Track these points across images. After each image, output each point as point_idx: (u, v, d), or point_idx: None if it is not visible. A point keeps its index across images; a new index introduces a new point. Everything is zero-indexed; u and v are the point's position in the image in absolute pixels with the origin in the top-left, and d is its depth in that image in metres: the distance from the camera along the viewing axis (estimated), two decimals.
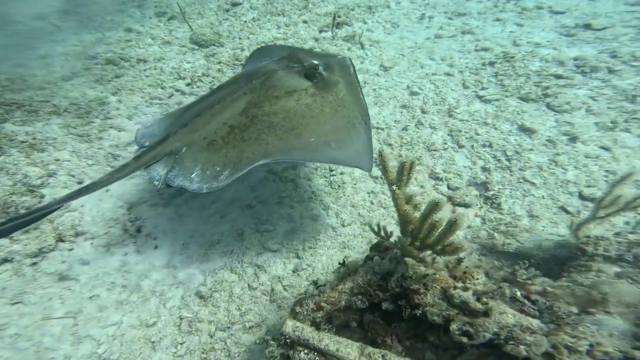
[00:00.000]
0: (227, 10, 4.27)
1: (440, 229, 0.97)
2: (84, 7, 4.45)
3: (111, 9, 4.40)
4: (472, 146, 2.36)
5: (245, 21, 4.04)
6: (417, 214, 1.05)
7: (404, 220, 1.07)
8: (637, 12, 3.39)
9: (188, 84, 3.13)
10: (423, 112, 2.71)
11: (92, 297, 1.73)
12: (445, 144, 2.42)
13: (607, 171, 1.97)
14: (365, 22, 3.94)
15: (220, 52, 3.53)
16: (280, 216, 2.08)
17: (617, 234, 1.36)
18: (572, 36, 3.23)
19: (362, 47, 3.56)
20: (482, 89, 2.81)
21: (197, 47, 3.64)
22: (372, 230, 1.23)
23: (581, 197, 1.89)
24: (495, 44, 3.32)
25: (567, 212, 1.85)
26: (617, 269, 1.22)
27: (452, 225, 0.92)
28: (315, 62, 2.00)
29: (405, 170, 1.02)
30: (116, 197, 2.14)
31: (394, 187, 1.02)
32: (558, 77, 2.71)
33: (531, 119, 2.42)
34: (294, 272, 1.84)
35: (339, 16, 3.92)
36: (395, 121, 2.67)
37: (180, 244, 1.98)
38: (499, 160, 2.23)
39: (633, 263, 1.20)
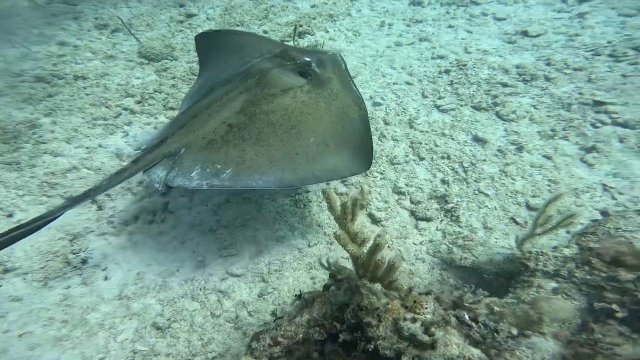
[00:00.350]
0: (181, 22, 4.10)
1: (383, 268, 1.00)
2: (3, 19, 4.03)
3: (38, 22, 4.02)
4: (432, 158, 2.45)
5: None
6: (365, 249, 1.08)
7: (352, 257, 1.09)
8: (564, 18, 3.65)
9: (138, 102, 2.97)
10: (386, 123, 2.78)
11: (22, 335, 1.61)
12: (407, 156, 2.50)
13: (550, 180, 2.13)
14: (327, 31, 3.95)
15: (174, 66, 3.40)
16: (245, 239, 2.06)
17: (554, 248, 1.47)
18: (513, 43, 3.42)
19: None
20: (440, 98, 2.93)
21: (146, 62, 3.47)
22: (322, 266, 1.25)
23: (528, 207, 2.03)
24: (450, 52, 3.45)
25: (516, 222, 1.98)
26: (554, 285, 1.32)
27: (392, 266, 0.96)
28: (308, 59, 2.04)
29: (348, 209, 1.04)
30: (55, 229, 2.01)
31: (337, 231, 1.05)
32: (504, 85, 2.87)
33: (483, 129, 2.56)
34: (259, 296, 1.83)
35: (300, 25, 3.91)
36: None
37: (134, 274, 1.89)
38: (456, 172, 2.33)
39: (567, 278, 1.31)
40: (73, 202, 1.68)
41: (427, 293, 1.21)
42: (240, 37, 2.65)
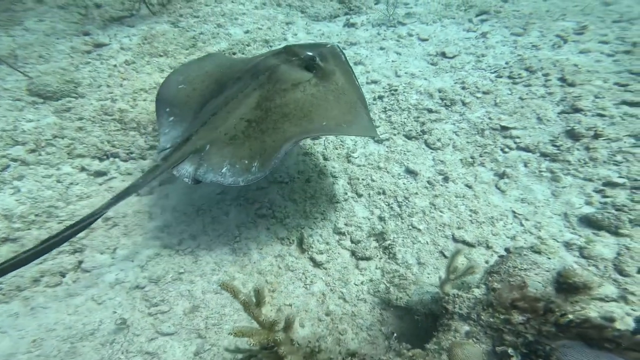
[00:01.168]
0: (88, 52, 3.81)
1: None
2: None
3: None
4: (369, 194, 2.64)
5: (116, 65, 3.66)
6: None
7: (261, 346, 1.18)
8: (471, 38, 4.09)
9: (32, 151, 2.71)
10: (325, 159, 2.92)
11: None
12: (346, 194, 2.65)
13: (471, 210, 2.41)
14: None
15: (81, 104, 3.15)
16: (179, 294, 2.04)
17: (469, 289, 1.70)
18: (435, 65, 3.74)
19: None
20: (375, 126, 3.14)
21: (41, 101, 3.16)
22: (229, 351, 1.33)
23: (454, 239, 2.30)
24: (382, 76, 3.69)
25: (445, 256, 2.23)
26: (467, 328, 1.54)
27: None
28: (310, 53, 2.24)
29: (258, 297, 1.14)
30: None
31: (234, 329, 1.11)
32: (430, 111, 3.15)
33: (414, 159, 2.81)
34: (195, 355, 1.81)
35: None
36: (298, 172, 2.82)
37: (28, 341, 1.78)
38: (391, 207, 2.54)
39: (477, 321, 1.54)
40: (117, 198, 1.88)
41: (353, 355, 1.36)
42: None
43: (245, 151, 1.98)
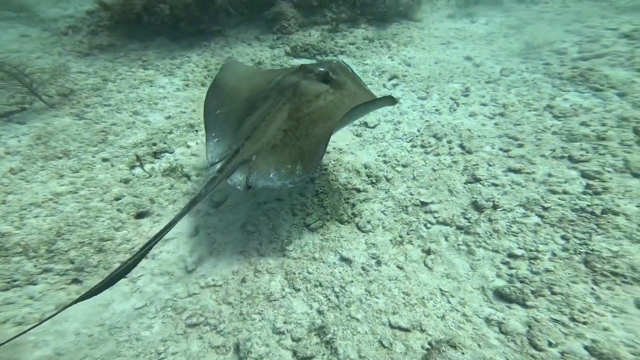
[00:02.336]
0: None
1: None
2: None
3: None
4: (307, 288, 2.72)
5: None
6: None
7: None
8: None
9: None
10: (260, 254, 2.98)
11: None
12: (284, 290, 2.71)
13: (404, 293, 2.62)
14: (188, 146, 4.07)
15: None
16: None
17: None
18: (359, 136, 4.14)
19: (189, 179, 3.67)
20: (308, 214, 3.32)
21: None
22: None
23: (391, 326, 2.44)
24: None
25: (384, 346, 2.34)
26: None
27: None
28: (323, 69, 2.83)
29: None
30: None
31: None
32: (358, 190, 3.44)
33: (348, 245, 3.01)
34: None
35: (154, 144, 3.89)
36: (233, 272, 2.84)
37: None
38: (329, 299, 2.64)
39: None
40: (185, 210, 2.36)
41: None
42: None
43: (286, 157, 2.47)
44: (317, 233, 3.14)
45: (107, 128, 4.08)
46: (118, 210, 3.32)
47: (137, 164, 3.61)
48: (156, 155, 3.79)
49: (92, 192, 3.42)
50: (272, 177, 2.43)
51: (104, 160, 3.71)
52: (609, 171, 3.12)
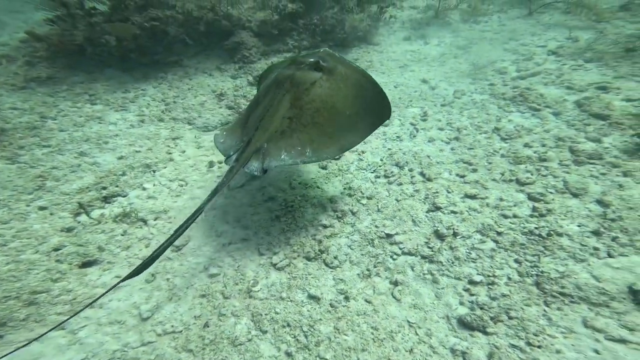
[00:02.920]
0: None
1: None
2: None
3: None
4: (274, 329, 2.79)
5: None
6: None
7: None
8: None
9: None
10: (224, 297, 3.01)
11: None
12: (250, 333, 2.76)
13: (372, 327, 2.76)
14: (144, 188, 4.04)
15: None
16: None
17: None
18: (325, 169, 4.31)
19: (145, 224, 3.64)
20: (275, 253, 3.41)
21: None
22: None
23: None
24: (278, 190, 4.11)
25: None
26: None
27: None
28: (313, 59, 3.14)
29: None
30: None
31: None
32: (324, 226, 3.60)
33: (316, 282, 3.12)
34: None
35: (103, 188, 3.83)
36: (195, 317, 2.84)
37: None
38: (298, 339, 2.72)
39: None
40: (211, 196, 2.70)
41: None
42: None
43: (295, 141, 2.86)
44: (284, 272, 3.23)
45: (45, 172, 3.91)
46: (57, 261, 3.24)
47: (81, 211, 3.53)
48: (107, 200, 3.72)
49: (24, 244, 3.31)
50: (283, 157, 2.81)
51: (41, 208, 3.59)
52: (551, 192, 3.53)
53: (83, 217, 3.57)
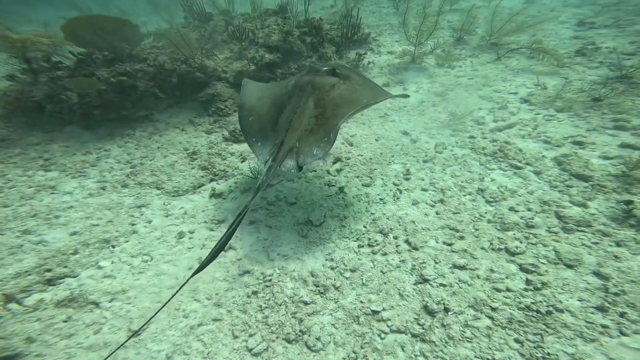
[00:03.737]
0: None
1: None
2: None
3: None
4: None
5: None
6: None
7: None
8: (333, 195, 4.85)
9: None
10: None
11: None
12: None
13: None
14: (100, 267, 3.88)
15: None
16: None
17: None
18: (305, 237, 4.28)
19: (97, 306, 3.46)
20: (251, 335, 3.29)
21: None
22: None
23: None
24: (254, 262, 4.05)
25: None
26: None
27: None
28: (329, 67, 3.92)
29: None
30: None
31: None
32: (305, 303, 3.54)
33: None
34: None
35: (47, 270, 3.65)
36: None
37: None
38: None
39: None
40: (254, 195, 3.25)
41: None
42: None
43: (322, 134, 3.45)
44: (260, 358, 3.10)
45: None
46: None
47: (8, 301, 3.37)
48: (51, 282, 3.54)
49: None
50: (315, 153, 3.40)
51: None
52: (543, 263, 3.67)
53: (14, 305, 3.36)
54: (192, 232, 4.43)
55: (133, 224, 4.44)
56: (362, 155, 5.75)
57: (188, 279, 2.95)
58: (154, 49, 7.29)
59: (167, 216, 4.68)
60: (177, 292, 2.98)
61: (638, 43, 8.23)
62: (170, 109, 6.89)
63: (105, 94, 5.94)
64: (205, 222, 4.61)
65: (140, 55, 6.61)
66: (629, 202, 4.00)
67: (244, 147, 6.13)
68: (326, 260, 3.96)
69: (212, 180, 5.31)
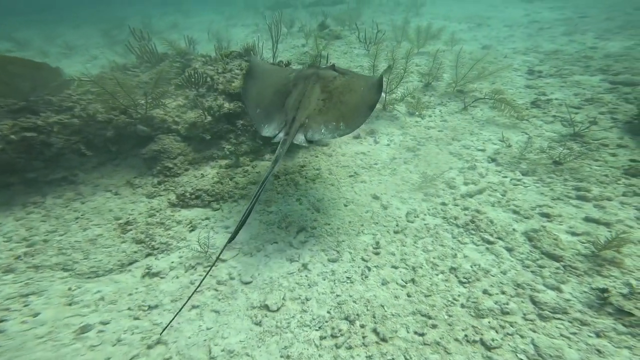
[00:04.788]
0: None
1: None
2: None
3: None
4: None
5: None
6: None
7: None
8: (295, 272, 4.59)
9: None
10: None
11: None
12: None
13: None
14: None
15: None
16: None
17: None
18: (259, 325, 3.85)
19: None
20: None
21: None
22: None
23: None
24: None
25: None
26: None
27: None
28: (328, 65, 5.20)
29: None
30: None
31: None
32: None
33: None
34: None
35: None
36: None
37: None
38: None
39: None
40: (273, 166, 3.85)
41: None
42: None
43: (330, 117, 4.15)
44: None
45: None
46: None
47: None
48: None
49: None
50: (323, 131, 4.03)
51: None
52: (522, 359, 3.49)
53: None
54: (105, 324, 3.82)
55: (2, 321, 3.65)
56: (329, 225, 5.45)
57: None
58: (87, 94, 6.36)
59: (69, 304, 3.98)
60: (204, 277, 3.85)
61: (581, 95, 8.98)
62: (101, 168, 5.99)
63: (3, 154, 5.08)
64: (129, 308, 4.00)
65: (63, 104, 5.79)
66: (604, 290, 3.98)
67: (194, 213, 5.61)
68: (281, 357, 3.56)
69: (148, 255, 4.71)
